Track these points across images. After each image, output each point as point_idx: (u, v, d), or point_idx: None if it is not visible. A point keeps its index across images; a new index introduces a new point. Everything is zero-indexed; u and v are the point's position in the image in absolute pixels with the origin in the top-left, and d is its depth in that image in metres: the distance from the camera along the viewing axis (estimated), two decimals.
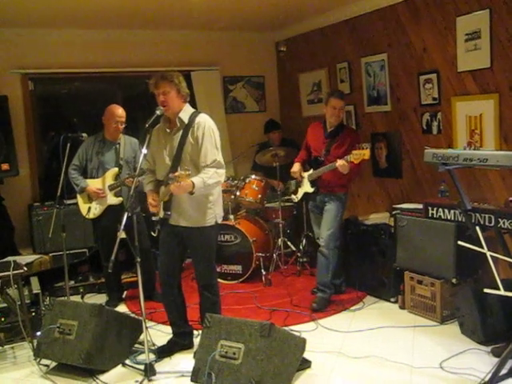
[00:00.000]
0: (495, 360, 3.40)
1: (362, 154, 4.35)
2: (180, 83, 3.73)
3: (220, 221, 3.93)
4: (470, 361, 3.64)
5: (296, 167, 5.01)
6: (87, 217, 4.97)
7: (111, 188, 4.87)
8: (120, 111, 4.92)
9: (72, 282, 5.41)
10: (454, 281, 4.29)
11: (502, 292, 2.50)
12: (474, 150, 4.21)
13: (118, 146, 4.98)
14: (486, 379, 3.26)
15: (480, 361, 3.63)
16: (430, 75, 4.98)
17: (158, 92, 3.70)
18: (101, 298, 5.26)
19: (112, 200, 4.88)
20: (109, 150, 4.96)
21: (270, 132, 6.68)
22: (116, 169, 4.91)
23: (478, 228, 2.94)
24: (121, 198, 4.87)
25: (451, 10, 4.66)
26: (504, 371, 3.28)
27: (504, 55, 4.28)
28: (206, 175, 3.60)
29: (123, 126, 4.96)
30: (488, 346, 3.82)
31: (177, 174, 3.43)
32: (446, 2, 4.72)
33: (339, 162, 4.46)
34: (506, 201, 3.43)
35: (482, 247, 2.98)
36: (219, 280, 4.91)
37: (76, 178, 4.91)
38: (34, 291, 4.56)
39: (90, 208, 4.93)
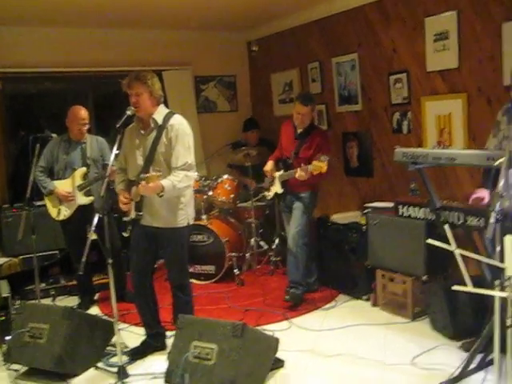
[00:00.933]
0: (465, 355, 3.45)
1: (319, 166, 4.38)
2: (153, 85, 3.72)
3: (192, 222, 3.94)
4: (441, 356, 3.70)
5: (268, 166, 5.06)
6: (57, 219, 4.92)
7: (81, 188, 4.83)
8: (82, 113, 4.87)
9: (43, 285, 5.32)
10: (424, 278, 4.34)
11: (470, 288, 2.54)
12: (443, 148, 4.27)
13: (84, 145, 4.93)
14: (456, 374, 3.32)
15: (450, 356, 3.68)
16: (400, 75, 5.04)
17: (131, 92, 3.69)
18: (72, 301, 5.17)
19: (82, 200, 4.83)
20: (75, 149, 4.91)
21: (248, 131, 6.69)
22: (84, 168, 4.86)
23: (446, 226, 2.98)
24: (91, 198, 4.83)
25: (420, 10, 4.72)
26: (473, 365, 3.34)
27: (471, 56, 4.35)
28: (176, 178, 3.59)
29: (86, 127, 4.92)
30: (458, 341, 3.88)
31: (148, 174, 3.43)
32: (414, 3, 4.78)
33: (298, 173, 4.54)
34: (468, 196, 3.46)
35: (451, 245, 3.02)
36: (192, 280, 4.90)
37: (43, 180, 4.85)
38: (4, 295, 4.49)
39: (60, 210, 4.88)
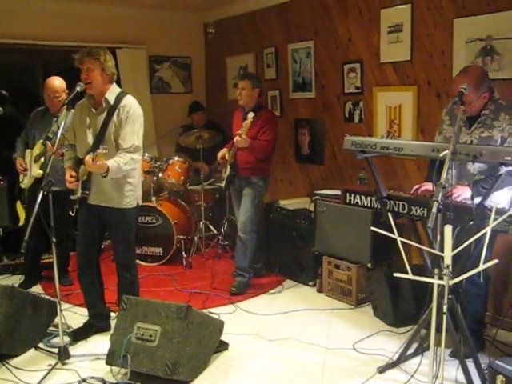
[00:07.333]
0: (403, 341, 3.56)
1: (246, 124, 4.56)
2: (106, 62, 3.66)
3: (140, 203, 3.91)
4: (381, 342, 3.80)
5: (222, 151, 5.01)
6: (21, 186, 4.91)
7: (35, 159, 4.73)
8: (53, 84, 4.74)
9: None
10: (369, 265, 4.43)
11: (410, 276, 2.61)
12: (392, 139, 4.35)
13: (57, 118, 4.78)
14: (394, 358, 3.42)
15: (390, 342, 3.79)
16: (354, 65, 5.08)
17: (83, 68, 3.63)
18: (15, 280, 5.04)
19: (35, 172, 4.73)
20: (47, 122, 4.76)
21: (193, 113, 6.64)
22: (41, 140, 4.70)
23: (390, 214, 3.05)
24: (41, 172, 4.70)
25: (376, 2, 4.77)
26: (410, 351, 3.44)
27: (423, 49, 4.43)
28: (122, 160, 3.56)
29: (59, 99, 4.73)
30: (398, 327, 3.99)
31: (96, 152, 3.38)
32: None
33: (235, 140, 4.66)
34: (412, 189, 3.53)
35: (394, 233, 3.09)
36: (139, 262, 4.87)
37: (16, 147, 4.93)
38: None
39: (23, 178, 4.86)
